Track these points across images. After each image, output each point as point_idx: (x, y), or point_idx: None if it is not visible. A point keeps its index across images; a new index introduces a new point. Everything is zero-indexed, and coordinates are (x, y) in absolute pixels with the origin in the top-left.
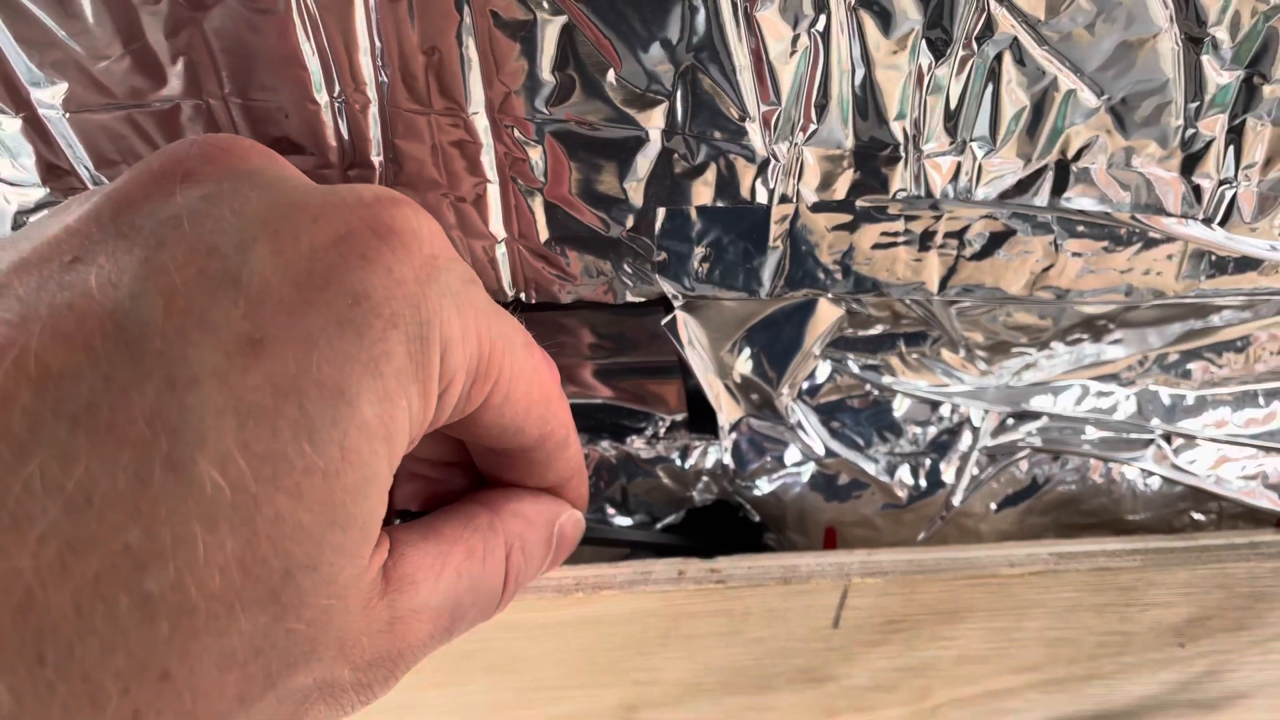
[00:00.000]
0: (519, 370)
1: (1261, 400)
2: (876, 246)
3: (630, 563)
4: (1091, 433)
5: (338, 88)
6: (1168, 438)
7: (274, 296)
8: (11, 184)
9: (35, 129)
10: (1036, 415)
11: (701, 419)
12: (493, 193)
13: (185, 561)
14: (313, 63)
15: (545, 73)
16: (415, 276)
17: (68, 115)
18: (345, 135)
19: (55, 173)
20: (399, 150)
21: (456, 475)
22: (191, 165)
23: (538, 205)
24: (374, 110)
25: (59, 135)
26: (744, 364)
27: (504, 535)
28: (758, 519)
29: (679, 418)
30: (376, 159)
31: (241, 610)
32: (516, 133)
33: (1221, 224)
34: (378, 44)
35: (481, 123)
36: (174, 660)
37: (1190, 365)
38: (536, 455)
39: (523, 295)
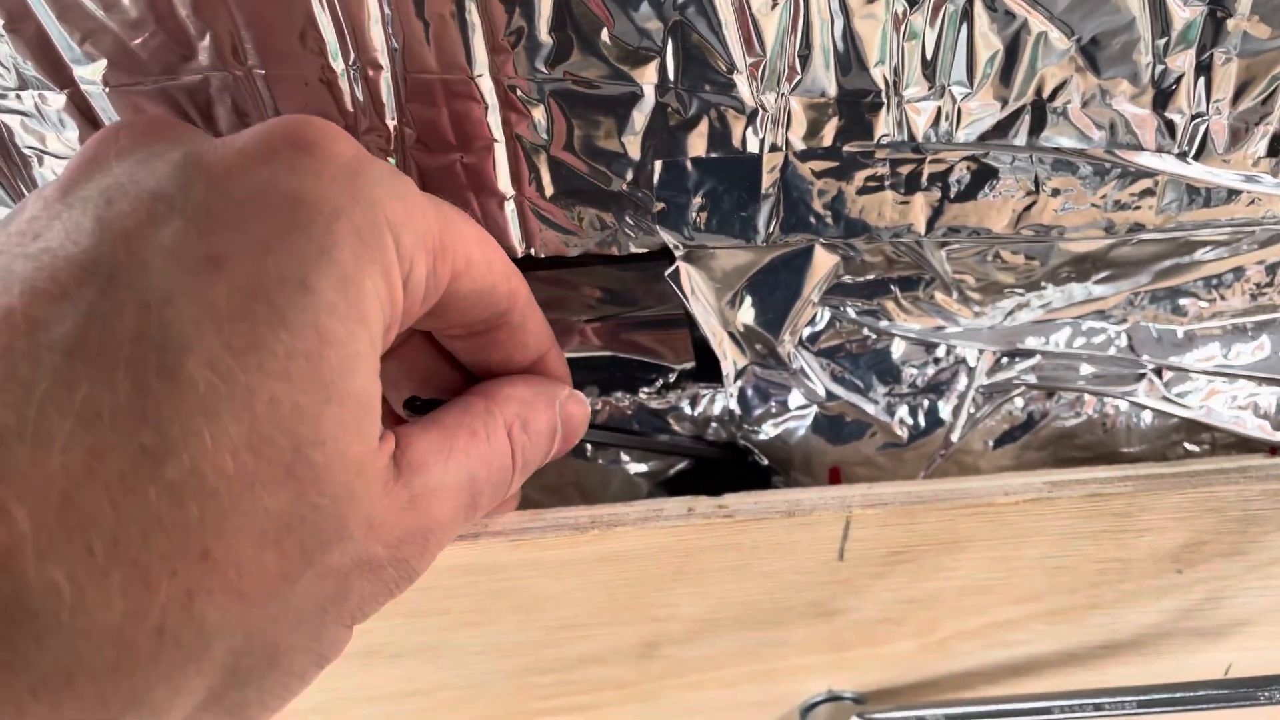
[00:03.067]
0: (469, 235)
1: (1250, 333)
2: (864, 191)
3: (642, 501)
4: (1085, 369)
5: (353, 56)
6: (1159, 371)
7: (220, 218)
8: (58, 157)
9: (78, 104)
10: (1030, 353)
11: (708, 368)
12: (500, 152)
13: (197, 451)
14: (329, 33)
15: (543, 34)
16: (345, 173)
17: (107, 90)
18: (361, 101)
19: None
20: (412, 114)
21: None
22: (123, 143)
23: (542, 162)
24: (387, 76)
25: (100, 110)
26: (745, 313)
27: (502, 416)
28: (765, 463)
29: (687, 367)
30: (391, 123)
31: (261, 489)
32: (519, 93)
33: (1196, 157)
34: (388, 12)
35: (487, 84)
36: (210, 539)
37: (1180, 301)
38: (514, 317)
39: (532, 251)
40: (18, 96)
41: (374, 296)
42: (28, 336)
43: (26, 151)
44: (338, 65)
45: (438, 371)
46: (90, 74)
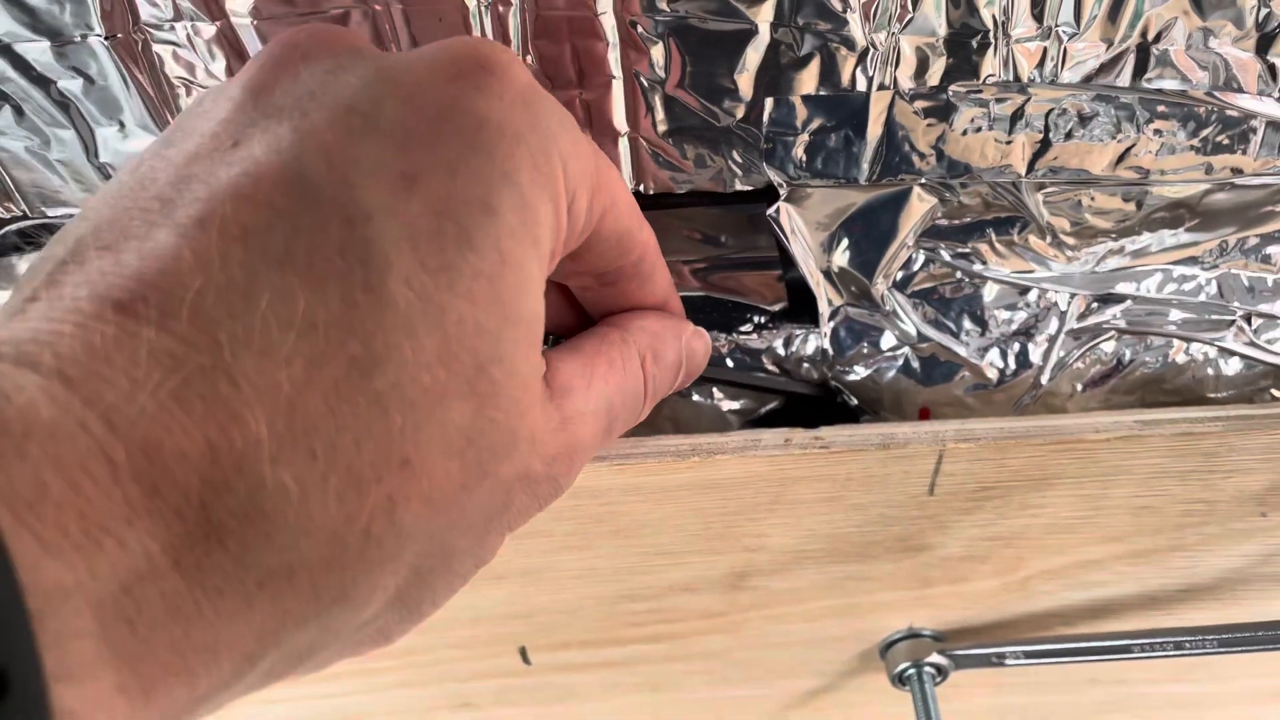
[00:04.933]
0: (615, 178)
1: None
2: (967, 131)
3: (741, 431)
4: (1174, 314)
5: None
6: (1249, 318)
7: (413, 136)
8: (204, 87)
9: (227, 36)
10: (1121, 299)
11: (801, 309)
12: (617, 89)
13: (398, 364)
14: None
15: None
16: (523, 99)
17: (254, 23)
18: (490, 35)
19: None
20: (538, 50)
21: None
22: (307, 48)
23: (657, 100)
24: (515, 13)
25: (247, 42)
26: (841, 254)
27: (636, 346)
28: (855, 403)
29: (779, 308)
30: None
31: (451, 402)
32: (640, 30)
33: None
34: None
35: (609, 22)
36: (410, 448)
37: (1269, 249)
38: (644, 266)
39: (642, 187)
40: (171, 28)
41: (546, 220)
42: (244, 246)
43: (175, 81)
44: (470, 2)
45: (564, 316)
46: (240, 6)
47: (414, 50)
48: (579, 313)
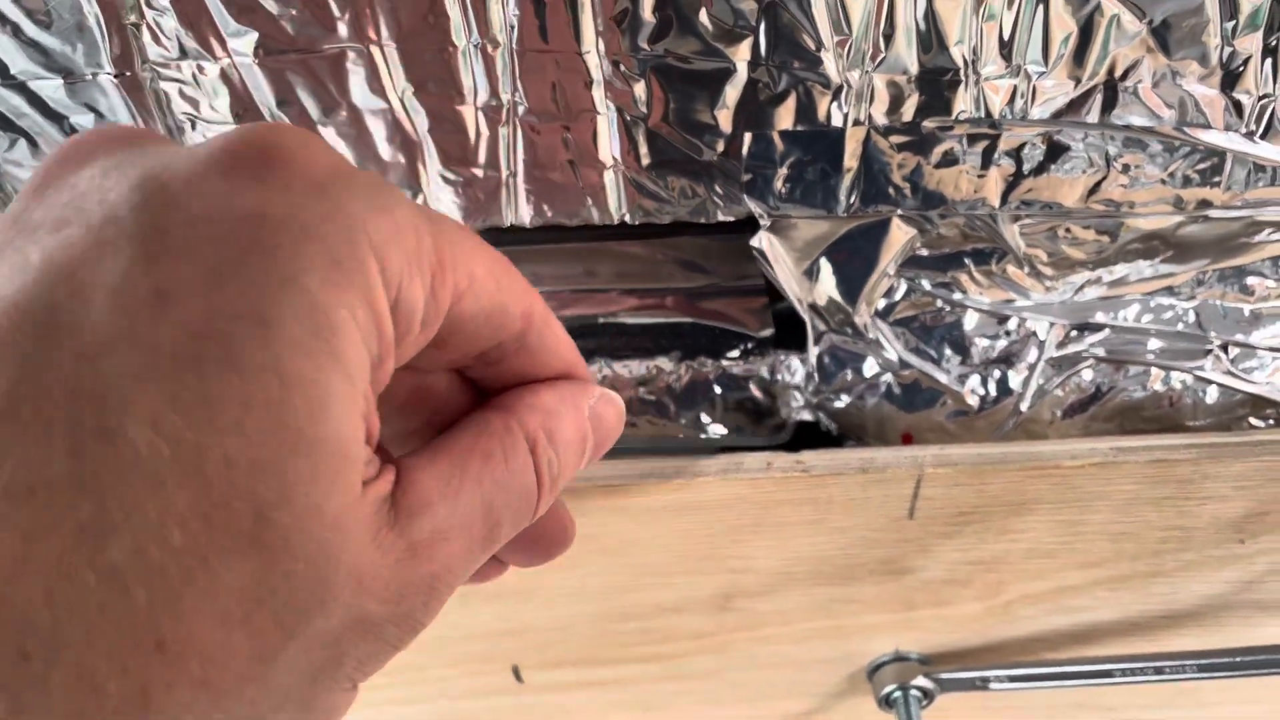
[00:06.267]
0: (471, 249)
1: None
2: (941, 164)
3: (724, 455)
4: (1153, 343)
5: (474, 33)
6: (1225, 347)
7: (170, 245)
8: (209, 122)
9: (229, 74)
10: (1100, 327)
11: (786, 336)
12: (602, 123)
13: (139, 526)
14: (454, 11)
15: (647, 13)
16: (317, 186)
17: (256, 61)
18: (479, 74)
19: (244, 112)
20: (524, 87)
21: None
22: (90, 148)
23: (640, 134)
24: (503, 52)
25: (249, 80)
26: (824, 283)
27: (522, 431)
28: (836, 433)
29: (765, 335)
30: (505, 95)
31: (219, 562)
32: (622, 68)
33: (1263, 136)
34: None
35: (593, 60)
36: (165, 626)
37: (1247, 280)
38: (530, 339)
39: (627, 217)
40: (177, 66)
41: (350, 327)
42: None
43: (181, 117)
44: (460, 41)
45: (454, 396)
46: (243, 46)
47: (201, 143)
48: (476, 393)
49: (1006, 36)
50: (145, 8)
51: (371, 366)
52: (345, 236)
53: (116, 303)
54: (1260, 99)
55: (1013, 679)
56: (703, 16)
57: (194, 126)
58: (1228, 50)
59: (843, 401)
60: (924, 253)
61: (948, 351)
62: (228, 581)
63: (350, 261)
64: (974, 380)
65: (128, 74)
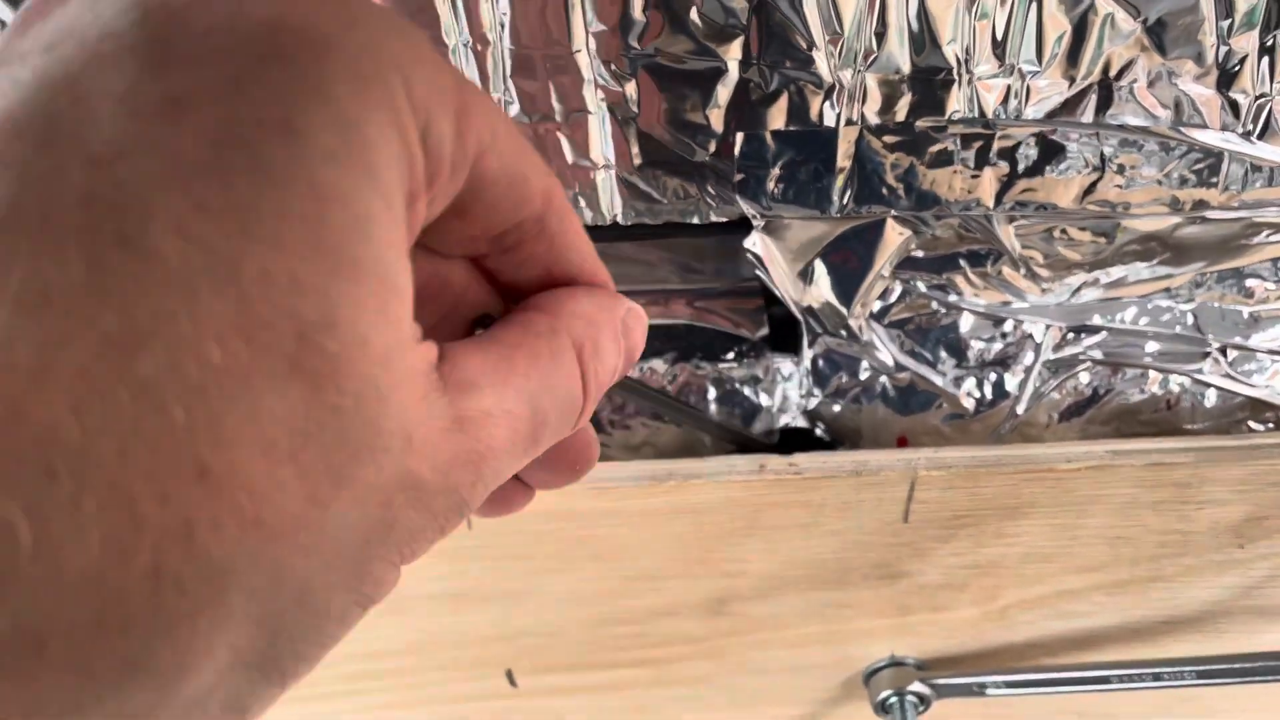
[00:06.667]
0: (490, 105)
1: None
2: (935, 165)
3: (716, 457)
4: (1150, 346)
5: (465, 32)
6: (1224, 350)
7: (180, 54)
8: None
9: None
10: (1096, 329)
11: (781, 339)
12: (594, 123)
13: (173, 339)
14: (444, 9)
15: (637, 12)
16: None
17: None
18: (469, 73)
19: None
20: (515, 86)
21: None
22: None
23: (632, 134)
24: (493, 51)
25: None
26: (819, 284)
27: (569, 335)
28: (829, 439)
29: (760, 337)
30: (496, 95)
31: (265, 384)
32: (613, 67)
33: (1259, 136)
34: None
35: (584, 59)
36: (206, 452)
37: (1246, 282)
38: (550, 221)
39: (619, 217)
40: None
41: (383, 143)
42: None
43: None
44: (450, 40)
45: (470, 292)
46: None
47: None
48: (493, 294)
49: (999, 35)
50: None
51: (405, 201)
52: (369, 52)
53: (126, 109)
54: (1257, 98)
55: (1010, 685)
56: (693, 15)
57: None
58: (1224, 49)
59: (838, 405)
60: (919, 254)
61: (943, 354)
62: (272, 409)
63: (376, 79)
64: (970, 383)
65: None
